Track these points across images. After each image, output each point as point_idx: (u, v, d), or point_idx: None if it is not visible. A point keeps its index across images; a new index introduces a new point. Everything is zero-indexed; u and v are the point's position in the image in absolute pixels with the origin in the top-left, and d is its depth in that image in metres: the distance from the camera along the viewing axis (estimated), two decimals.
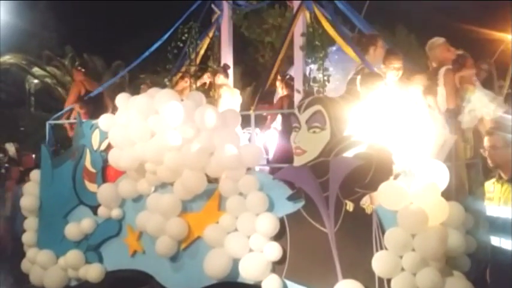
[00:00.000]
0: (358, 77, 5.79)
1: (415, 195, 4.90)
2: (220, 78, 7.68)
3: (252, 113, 6.22)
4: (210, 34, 8.04)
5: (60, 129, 8.32)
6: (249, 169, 5.88)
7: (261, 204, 5.62)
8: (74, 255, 6.84)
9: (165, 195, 6.05)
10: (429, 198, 4.88)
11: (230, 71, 8.00)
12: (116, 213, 6.66)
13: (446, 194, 5.11)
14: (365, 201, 5.22)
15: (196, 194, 5.93)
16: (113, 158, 6.31)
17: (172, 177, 5.93)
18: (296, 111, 5.59)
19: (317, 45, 7.23)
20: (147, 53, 7.11)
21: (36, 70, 23.74)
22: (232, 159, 5.56)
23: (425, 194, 4.89)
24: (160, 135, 5.82)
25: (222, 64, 8.01)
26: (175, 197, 5.96)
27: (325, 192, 5.37)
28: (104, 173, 6.92)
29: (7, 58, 22.18)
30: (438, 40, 6.53)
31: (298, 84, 7.37)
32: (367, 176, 5.12)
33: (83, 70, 8.18)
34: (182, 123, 5.76)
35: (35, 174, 7.65)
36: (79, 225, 6.91)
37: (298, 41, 7.43)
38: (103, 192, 6.63)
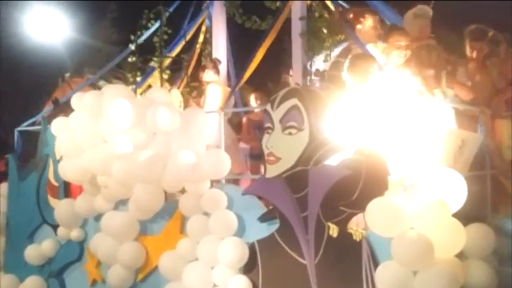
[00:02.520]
0: (346, 62, 4.48)
1: (416, 217, 3.59)
2: (209, 75, 6.54)
3: (220, 111, 5.05)
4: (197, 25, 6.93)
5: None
6: (215, 182, 4.71)
7: (227, 226, 4.45)
8: (33, 282, 5.88)
9: (119, 214, 4.97)
10: (436, 221, 3.55)
11: (223, 67, 6.85)
12: (75, 234, 5.64)
13: (470, 213, 3.78)
14: (353, 225, 3.94)
15: (153, 212, 4.81)
16: (62, 169, 5.30)
17: (124, 193, 4.84)
18: (268, 107, 4.37)
19: (322, 31, 6.02)
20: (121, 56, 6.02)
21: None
22: (189, 170, 4.42)
23: (431, 215, 3.57)
24: (108, 141, 4.75)
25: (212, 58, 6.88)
26: (131, 216, 4.86)
27: (303, 211, 4.14)
28: (67, 187, 5.93)
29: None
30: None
31: (296, 78, 6.12)
32: (355, 190, 3.86)
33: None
34: (132, 126, 4.66)
35: (2, 188, 6.80)
36: (40, 247, 5.95)
37: (297, 26, 6.20)
38: (60, 209, 5.63)
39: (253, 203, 4.55)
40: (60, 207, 5.63)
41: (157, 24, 6.47)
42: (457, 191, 3.69)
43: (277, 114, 4.31)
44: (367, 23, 4.98)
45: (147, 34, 6.40)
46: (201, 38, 7.27)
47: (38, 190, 6.27)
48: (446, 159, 3.94)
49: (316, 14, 6.31)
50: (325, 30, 6.11)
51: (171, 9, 6.91)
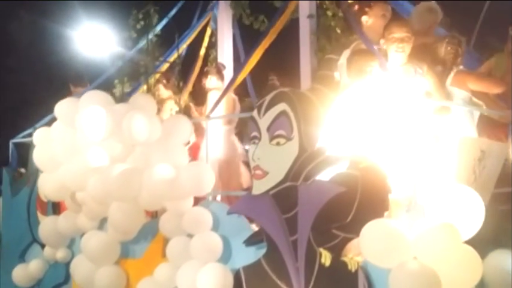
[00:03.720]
0: (341, 59, 3.88)
1: (420, 244, 2.98)
2: (211, 81, 6.03)
3: (204, 119, 4.54)
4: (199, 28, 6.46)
5: None
6: (200, 199, 4.20)
7: (211, 250, 3.94)
8: None
9: (98, 234, 4.52)
10: (444, 250, 2.93)
11: (228, 72, 6.34)
12: (60, 254, 5.22)
13: (495, 238, 3.17)
14: (349, 252, 3.35)
15: (133, 233, 4.34)
16: (40, 185, 4.90)
17: (102, 211, 4.39)
18: (255, 113, 3.83)
19: (334, 30, 5.48)
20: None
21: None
22: (166, 186, 3.92)
23: (438, 242, 2.94)
24: (82, 153, 4.31)
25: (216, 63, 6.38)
26: (110, 237, 4.39)
27: (292, 234, 3.59)
28: (56, 203, 5.53)
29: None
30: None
31: (305, 82, 5.55)
32: (350, 211, 3.27)
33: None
34: (108, 136, 4.20)
35: None
36: (27, 268, 5.57)
37: (305, 26, 5.65)
38: (45, 227, 5.24)
39: (241, 224, 4.01)
40: (45, 225, 5.24)
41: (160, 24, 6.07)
42: (472, 213, 3.06)
43: (264, 122, 3.78)
44: (374, 13, 4.33)
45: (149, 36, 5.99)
46: (205, 42, 6.81)
47: (28, 206, 5.91)
48: (461, 173, 3.31)
49: (329, 13, 5.77)
50: (338, 30, 5.57)
51: (174, 10, 6.52)
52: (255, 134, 3.82)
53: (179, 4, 6.60)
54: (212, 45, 6.80)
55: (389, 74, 3.47)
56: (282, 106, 3.68)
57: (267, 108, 3.76)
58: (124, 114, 4.21)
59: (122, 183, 4.03)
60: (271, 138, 3.71)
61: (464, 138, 3.36)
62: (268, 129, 3.74)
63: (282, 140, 3.66)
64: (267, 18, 6.33)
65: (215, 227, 4.06)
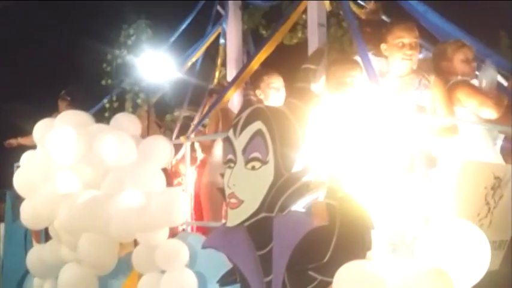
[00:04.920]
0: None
1: None
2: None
3: (184, 141, 4.11)
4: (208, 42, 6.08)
5: None
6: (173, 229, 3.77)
7: None
8: None
9: (74, 268, 4.15)
10: None
11: None
12: (47, 286, 4.88)
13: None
14: None
15: (107, 268, 3.94)
16: (21, 211, 4.60)
17: (75, 241, 4.02)
18: (230, 133, 3.37)
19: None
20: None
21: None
22: (134, 215, 3.50)
23: None
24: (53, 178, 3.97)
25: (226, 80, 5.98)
26: (86, 271, 4.01)
27: (267, 275, 3.08)
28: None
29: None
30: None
31: None
32: (328, 248, 2.74)
33: (69, 99, 6.64)
34: (79, 159, 3.85)
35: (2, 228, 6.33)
36: None
37: (314, 36, 5.16)
38: (31, 257, 4.92)
39: (220, 260, 3.53)
40: (31, 254, 4.94)
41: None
42: (473, 256, 2.47)
43: (239, 143, 3.31)
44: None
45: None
46: (219, 61, 6.43)
47: (25, 233, 5.68)
48: (466, 205, 2.72)
49: (344, 24, 5.28)
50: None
51: (183, 26, 6.20)
52: (230, 156, 3.36)
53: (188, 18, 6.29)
54: (223, 62, 6.43)
55: (379, 85, 2.93)
56: (257, 125, 3.20)
57: (243, 128, 3.30)
58: (95, 137, 3.86)
59: (89, 212, 3.65)
60: (247, 162, 3.24)
61: (467, 162, 2.77)
62: (243, 151, 3.28)
63: (257, 164, 3.17)
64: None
65: (192, 263, 3.62)
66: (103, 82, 4.81)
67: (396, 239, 2.59)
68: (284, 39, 5.90)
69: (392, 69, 3.36)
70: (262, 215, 3.13)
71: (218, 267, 3.54)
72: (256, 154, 3.20)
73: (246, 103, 3.40)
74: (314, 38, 5.19)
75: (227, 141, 3.40)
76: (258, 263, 3.12)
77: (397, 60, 3.36)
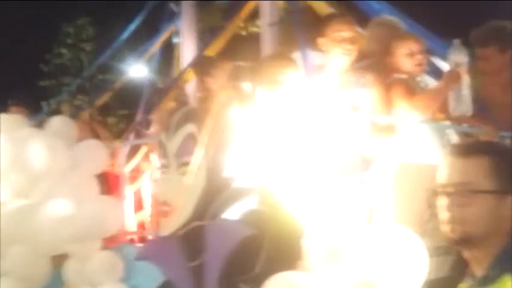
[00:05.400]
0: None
1: None
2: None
3: (119, 145, 3.90)
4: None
5: None
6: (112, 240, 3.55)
7: None
8: None
9: (2, 281, 3.88)
10: None
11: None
12: None
13: None
14: None
15: (37, 284, 3.69)
16: None
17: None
18: (163, 136, 3.18)
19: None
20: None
21: None
22: (60, 224, 3.27)
23: None
24: None
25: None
26: (13, 285, 3.76)
27: None
28: None
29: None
30: None
31: None
32: (258, 259, 2.56)
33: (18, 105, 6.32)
34: (7, 167, 3.60)
35: None
36: None
37: (265, 34, 4.98)
38: None
39: (156, 272, 3.32)
40: None
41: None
42: (409, 265, 2.30)
43: (172, 146, 3.11)
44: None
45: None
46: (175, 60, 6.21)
47: None
48: (405, 211, 2.56)
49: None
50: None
51: (133, 25, 5.98)
52: (163, 161, 3.17)
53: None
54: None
55: (313, 83, 2.76)
56: (189, 128, 3.02)
57: (176, 130, 3.11)
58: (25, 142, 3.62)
59: (15, 223, 3.41)
60: (179, 167, 3.05)
61: (404, 164, 2.61)
62: (176, 155, 3.09)
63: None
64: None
65: (127, 276, 3.40)
66: (41, 83, 4.58)
67: (329, 247, 2.41)
68: (241, 31, 5.76)
69: (331, 65, 3.18)
70: (195, 223, 2.95)
71: (155, 280, 3.34)
72: (188, 158, 3.02)
73: (180, 104, 3.22)
74: (266, 36, 5.05)
75: (160, 145, 3.21)
76: (191, 276, 2.93)
77: (336, 55, 3.18)
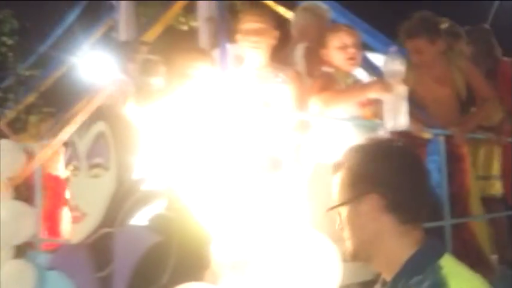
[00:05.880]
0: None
1: None
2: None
3: (34, 145, 3.67)
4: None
5: None
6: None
7: None
8: None
9: None
10: None
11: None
12: None
13: None
14: None
15: None
16: None
17: None
18: (75, 135, 2.97)
19: None
20: None
21: None
22: None
23: None
24: None
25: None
26: None
27: None
28: None
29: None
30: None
31: None
32: (166, 268, 2.38)
33: None
34: None
35: None
36: None
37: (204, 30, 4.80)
38: None
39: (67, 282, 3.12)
40: None
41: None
42: (322, 272, 2.16)
43: (83, 146, 2.91)
44: None
45: None
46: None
47: None
48: (322, 213, 2.40)
49: None
50: None
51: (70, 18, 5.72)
52: (75, 163, 2.96)
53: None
54: None
55: (226, 79, 2.59)
56: (100, 126, 2.82)
57: (86, 129, 2.91)
58: None
59: None
60: (89, 169, 2.84)
61: (320, 165, 2.47)
62: (87, 156, 2.89)
63: (100, 171, 2.79)
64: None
65: (38, 286, 3.18)
66: None
67: (236, 255, 2.26)
68: (183, 26, 5.54)
69: (248, 59, 3.01)
70: (104, 230, 2.76)
71: None
72: (98, 160, 2.81)
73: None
74: (203, 31, 4.87)
75: (71, 145, 3.00)
76: (99, 286, 2.74)
77: (247, 49, 3.00)
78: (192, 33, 5.58)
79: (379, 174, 1.41)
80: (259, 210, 2.30)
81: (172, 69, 2.79)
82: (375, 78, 3.22)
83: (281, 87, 2.81)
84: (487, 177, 4.08)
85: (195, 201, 2.34)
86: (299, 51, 3.41)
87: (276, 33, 2.96)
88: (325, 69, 3.06)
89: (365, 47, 4.60)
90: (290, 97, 2.79)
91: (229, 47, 2.75)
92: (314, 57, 3.27)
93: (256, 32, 2.93)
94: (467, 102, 3.68)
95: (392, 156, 1.44)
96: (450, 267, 1.34)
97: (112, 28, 5.90)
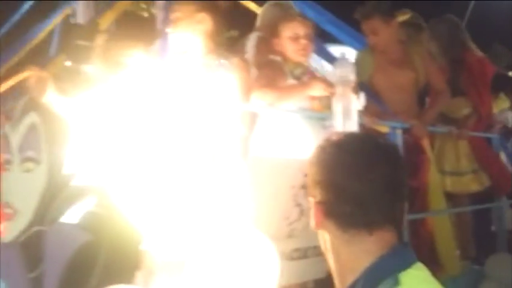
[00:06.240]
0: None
1: None
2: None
3: None
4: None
5: None
6: None
7: None
8: None
9: None
10: None
11: None
12: None
13: None
14: None
15: None
16: None
17: None
18: (8, 127, 2.80)
19: None
20: None
21: None
22: None
23: None
24: None
25: None
26: None
27: None
28: None
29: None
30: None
31: None
32: (96, 269, 2.24)
33: None
34: None
35: None
36: None
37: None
38: None
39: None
40: None
41: None
42: (258, 272, 2.04)
43: (16, 139, 2.74)
44: None
45: None
46: None
47: None
48: (267, 209, 2.29)
49: None
50: None
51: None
52: (7, 156, 2.79)
53: None
54: None
55: (165, 67, 2.43)
56: (32, 117, 2.66)
57: (19, 120, 2.74)
58: None
59: None
60: (21, 162, 2.68)
61: (257, 158, 2.35)
62: (20, 149, 2.72)
63: (31, 165, 2.63)
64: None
65: None
66: None
67: (170, 255, 2.12)
68: (144, 12, 5.36)
69: (187, 49, 2.84)
70: (35, 228, 2.60)
71: None
72: (30, 153, 2.65)
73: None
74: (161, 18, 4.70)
75: (4, 138, 2.83)
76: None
77: (182, 38, 2.80)
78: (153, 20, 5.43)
79: (319, 177, 1.26)
80: (195, 207, 2.17)
81: (101, 57, 2.62)
82: (319, 76, 3.10)
83: (224, 75, 2.67)
84: (454, 173, 4.00)
85: (127, 198, 2.19)
86: (252, 40, 3.29)
87: (198, 19, 2.75)
88: (272, 57, 2.93)
89: (332, 40, 4.50)
90: (234, 86, 2.65)
91: (170, 35, 2.60)
92: (267, 47, 3.15)
93: (175, 21, 2.75)
94: (424, 91, 3.63)
95: (336, 157, 1.26)
96: (410, 285, 1.16)
97: (71, 16, 5.72)
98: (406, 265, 1.19)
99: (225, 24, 3.94)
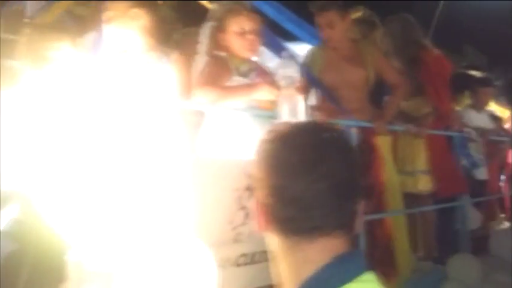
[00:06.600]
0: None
1: None
2: None
3: None
4: None
5: None
6: None
7: None
8: None
9: None
10: None
11: None
12: None
13: None
14: None
15: None
16: None
17: None
18: None
19: None
20: None
21: None
22: None
23: None
24: None
25: None
26: None
27: None
28: None
29: None
30: None
31: None
32: (20, 281, 2.08)
33: None
34: None
35: None
36: None
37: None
38: None
39: None
40: None
41: None
42: (199, 278, 1.90)
43: None
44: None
45: None
46: None
47: None
48: (207, 212, 2.15)
49: None
50: None
51: None
52: None
53: None
54: None
55: (95, 63, 2.27)
56: None
57: None
58: None
59: None
60: None
61: (199, 159, 2.21)
62: None
63: None
64: None
65: None
66: None
67: (99, 266, 1.97)
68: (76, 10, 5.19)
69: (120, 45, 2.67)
70: None
71: None
72: None
73: None
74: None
75: None
76: None
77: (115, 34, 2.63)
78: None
79: (260, 175, 1.11)
80: (126, 214, 2.02)
81: (26, 51, 2.43)
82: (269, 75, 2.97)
83: (164, 72, 2.51)
84: (412, 173, 3.93)
85: (51, 204, 2.03)
86: (205, 30, 3.12)
87: (131, 15, 2.56)
88: (217, 53, 2.79)
89: (290, 37, 4.39)
90: (174, 83, 2.50)
91: (104, 31, 2.44)
92: (213, 41, 3.01)
93: (108, 19, 2.57)
94: (376, 91, 3.54)
95: (277, 153, 1.10)
96: None
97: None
98: (349, 277, 1.06)
99: (180, 20, 3.81)
